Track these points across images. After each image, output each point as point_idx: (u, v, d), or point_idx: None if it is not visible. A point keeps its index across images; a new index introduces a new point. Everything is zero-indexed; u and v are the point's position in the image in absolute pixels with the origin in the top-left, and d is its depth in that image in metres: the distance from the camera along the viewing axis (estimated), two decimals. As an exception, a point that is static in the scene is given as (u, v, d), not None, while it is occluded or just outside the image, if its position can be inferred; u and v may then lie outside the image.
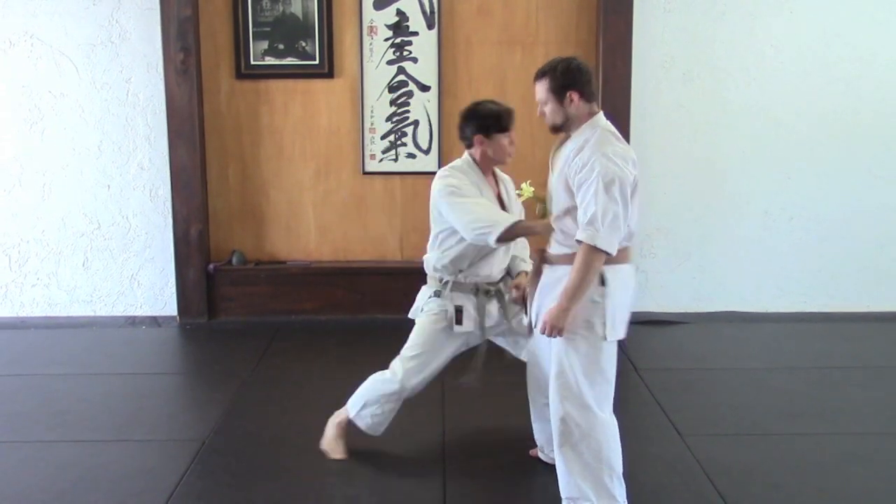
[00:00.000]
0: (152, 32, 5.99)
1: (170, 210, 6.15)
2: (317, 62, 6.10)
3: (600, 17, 6.00)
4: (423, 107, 6.15)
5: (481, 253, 3.81)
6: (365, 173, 6.24)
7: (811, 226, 6.23)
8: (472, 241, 3.71)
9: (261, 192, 6.30)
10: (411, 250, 6.33)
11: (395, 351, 3.93)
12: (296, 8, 6.04)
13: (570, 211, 3.30)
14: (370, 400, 3.93)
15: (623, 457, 3.68)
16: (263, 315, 6.24)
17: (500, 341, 4.13)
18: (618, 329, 3.32)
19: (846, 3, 6.07)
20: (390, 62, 6.10)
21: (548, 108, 3.37)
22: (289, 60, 6.11)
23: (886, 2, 6.07)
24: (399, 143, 6.19)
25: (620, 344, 3.51)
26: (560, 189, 3.33)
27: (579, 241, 3.18)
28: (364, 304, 6.27)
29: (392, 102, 6.14)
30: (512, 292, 3.87)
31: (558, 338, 3.28)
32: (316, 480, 3.79)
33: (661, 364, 5.26)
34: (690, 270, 6.27)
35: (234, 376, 5.11)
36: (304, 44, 6.08)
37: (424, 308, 3.96)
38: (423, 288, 4.01)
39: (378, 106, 6.14)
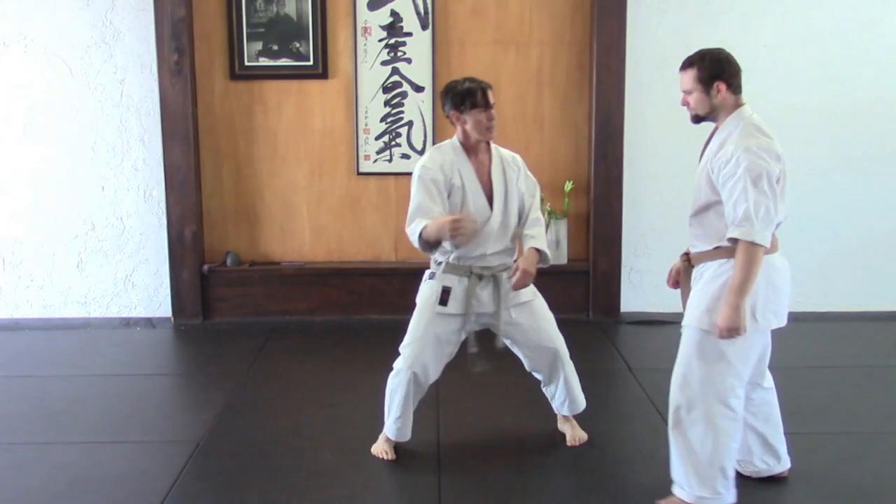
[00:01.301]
0: (146, 33, 5.98)
1: (164, 211, 6.14)
2: (311, 63, 6.10)
3: (594, 17, 6.00)
4: (417, 107, 6.15)
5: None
6: (359, 174, 6.25)
7: (805, 225, 6.23)
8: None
9: (255, 192, 6.30)
10: (406, 251, 6.33)
11: (390, 351, 3.93)
12: (290, 9, 6.04)
13: (711, 206, 3.31)
14: (391, 403, 3.95)
15: (617, 456, 3.70)
16: (258, 316, 6.24)
17: (508, 343, 4.08)
18: (757, 319, 3.27)
19: (839, 3, 6.08)
20: (384, 63, 6.10)
21: (693, 98, 3.38)
22: (283, 61, 6.11)
23: (879, 2, 6.08)
24: (393, 143, 6.19)
25: (614, 343, 3.53)
26: (703, 183, 3.33)
27: (732, 240, 3.18)
28: (359, 304, 6.27)
29: (386, 103, 6.15)
30: (513, 277, 3.77)
31: (690, 329, 3.31)
32: (310, 481, 3.79)
33: (655, 364, 5.27)
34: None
35: (229, 377, 5.11)
36: (298, 44, 6.08)
37: (420, 290, 3.97)
38: (425, 272, 4.01)
39: (372, 106, 6.15)
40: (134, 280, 6.28)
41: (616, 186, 6.13)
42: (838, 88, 6.15)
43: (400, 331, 4.00)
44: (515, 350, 4.09)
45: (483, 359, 3.92)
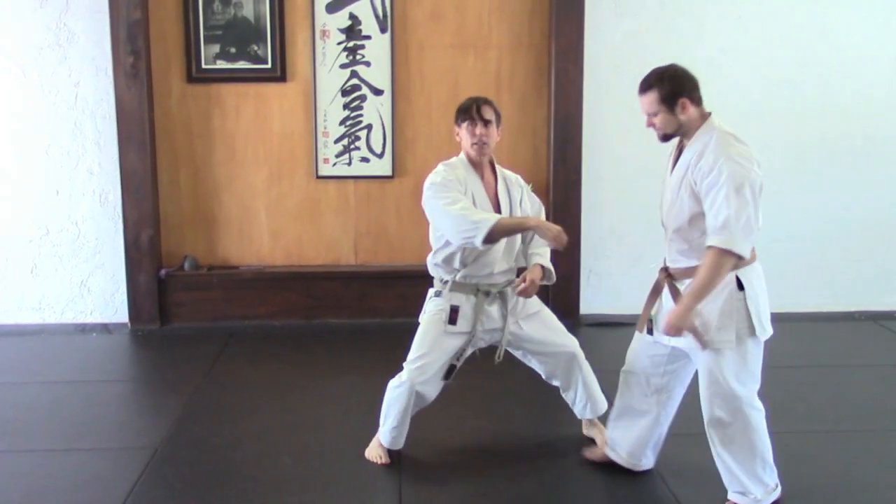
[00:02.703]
0: (101, 35, 5.91)
1: (120, 215, 6.07)
2: (269, 66, 6.07)
3: (552, 21, 6.04)
4: (376, 111, 6.14)
5: (474, 253, 3.79)
6: (318, 177, 6.22)
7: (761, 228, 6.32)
8: (460, 245, 3.70)
9: (213, 196, 6.25)
10: (365, 254, 6.32)
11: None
12: (247, 11, 6.00)
13: (695, 219, 3.29)
14: (388, 412, 3.92)
15: (578, 459, 3.71)
16: (216, 321, 6.19)
17: (516, 354, 4.09)
18: (766, 327, 3.36)
19: (792, 8, 6.18)
20: (343, 66, 6.08)
21: (658, 119, 3.36)
22: (241, 64, 6.07)
23: (829, 7, 6.19)
24: (352, 146, 6.17)
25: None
26: (684, 196, 3.31)
27: (710, 247, 3.17)
28: (318, 308, 6.24)
29: (345, 106, 6.13)
30: (520, 285, 3.77)
31: (710, 353, 3.31)
32: (270, 487, 3.77)
33: (615, 366, 5.24)
34: (643, 273, 6.23)
35: (187, 383, 5.06)
36: (255, 47, 6.05)
37: (426, 309, 3.95)
38: (429, 290, 4.00)
39: (331, 110, 6.13)
40: (90, 285, 6.20)
41: (575, 189, 6.16)
42: (791, 91, 6.24)
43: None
44: (531, 361, 4.09)
45: (454, 375, 3.92)
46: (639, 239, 6.26)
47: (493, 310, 3.90)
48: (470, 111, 3.76)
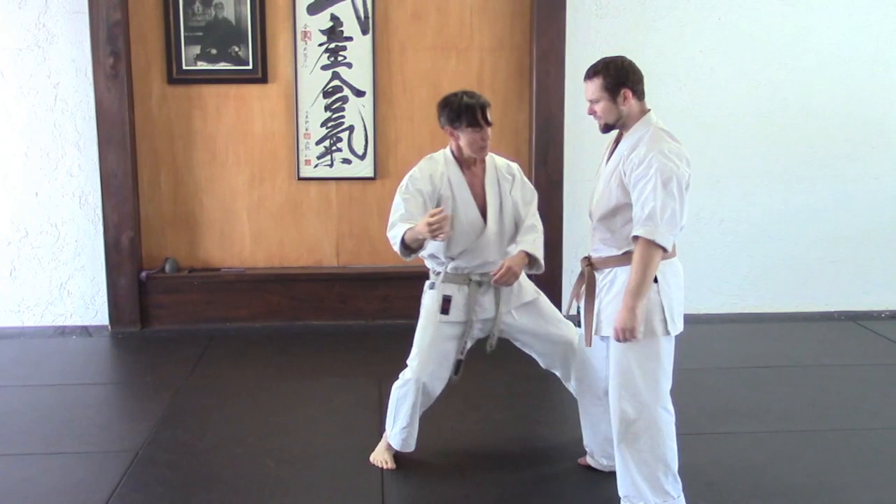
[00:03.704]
0: (81, 37, 5.88)
1: (100, 217, 6.04)
2: (250, 67, 6.05)
3: (534, 22, 6.05)
4: (358, 112, 6.13)
5: (461, 246, 3.81)
6: (300, 179, 6.21)
7: (741, 228, 6.36)
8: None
9: (194, 198, 6.22)
10: (347, 256, 6.31)
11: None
12: (228, 13, 5.98)
13: (620, 210, 3.33)
14: (396, 413, 3.90)
15: (560, 458, 3.72)
16: (197, 323, 6.16)
17: (518, 344, 4.08)
18: (677, 323, 3.34)
19: (772, 10, 6.21)
20: (325, 67, 6.07)
21: (600, 107, 3.39)
22: (222, 65, 6.04)
23: (809, 9, 6.23)
24: (334, 148, 6.16)
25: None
26: (613, 186, 3.34)
27: (635, 238, 3.20)
28: (300, 310, 6.23)
29: (327, 108, 6.12)
30: (497, 273, 3.76)
31: (622, 345, 3.28)
32: (251, 490, 3.76)
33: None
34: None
35: (168, 386, 5.04)
36: (237, 49, 6.03)
37: (423, 303, 3.96)
38: (425, 282, 4.00)
39: (313, 111, 6.11)
40: (69, 288, 6.16)
41: (557, 190, 6.18)
42: (771, 92, 6.28)
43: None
44: (529, 351, 4.07)
45: (462, 369, 3.90)
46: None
47: (487, 299, 3.88)
48: (475, 115, 3.73)
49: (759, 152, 6.30)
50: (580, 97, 6.08)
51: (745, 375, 5.17)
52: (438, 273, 3.90)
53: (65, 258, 6.13)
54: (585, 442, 3.91)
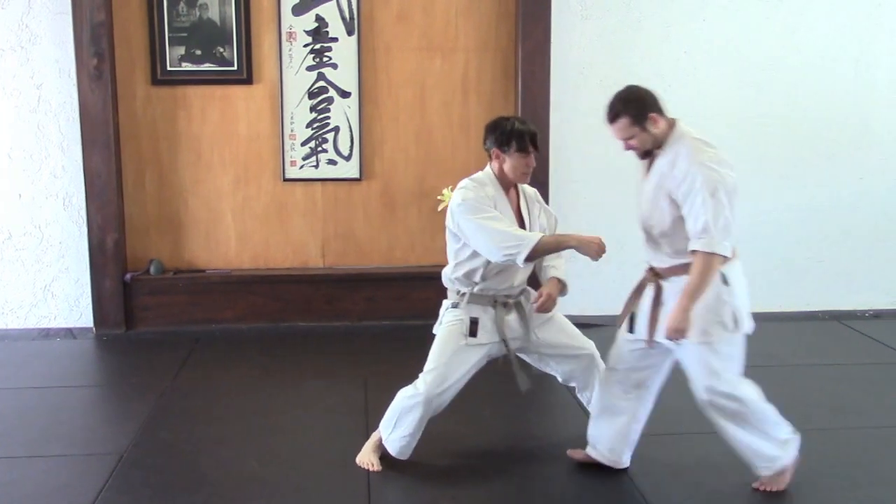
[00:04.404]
0: (64, 37, 5.85)
1: (84, 219, 6.01)
2: (235, 68, 6.03)
3: (519, 23, 6.05)
4: (343, 113, 6.12)
5: (497, 268, 3.81)
6: (285, 180, 6.19)
7: (726, 228, 6.38)
8: (499, 262, 3.72)
9: (179, 199, 6.20)
10: (333, 257, 6.30)
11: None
12: (213, 13, 5.96)
13: (677, 223, 3.43)
14: (399, 420, 3.87)
15: (548, 459, 3.71)
16: (183, 325, 6.13)
17: (528, 358, 4.12)
18: (747, 321, 3.53)
19: (757, 11, 6.24)
20: (310, 68, 6.06)
21: (635, 141, 3.48)
22: (206, 66, 6.03)
23: (794, 9, 6.26)
24: (320, 149, 6.15)
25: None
26: (663, 205, 3.45)
27: (693, 251, 3.33)
28: (286, 311, 6.21)
29: (312, 109, 6.11)
30: (538, 301, 3.83)
31: (700, 345, 3.45)
32: (237, 492, 3.75)
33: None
34: (610, 274, 6.34)
35: (153, 388, 5.01)
36: (221, 49, 6.01)
37: (443, 321, 3.93)
38: (444, 301, 3.98)
39: (298, 112, 6.10)
40: (53, 290, 6.13)
41: (542, 192, 6.09)
42: (756, 93, 6.31)
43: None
44: (548, 364, 4.12)
45: (520, 375, 3.93)
46: (605, 240, 6.27)
47: (512, 319, 3.91)
48: (525, 141, 3.75)
49: (743, 153, 6.30)
50: (566, 98, 6.15)
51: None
52: (462, 294, 3.88)
53: (49, 260, 6.10)
54: (591, 433, 3.93)
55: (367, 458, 3.96)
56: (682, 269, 3.47)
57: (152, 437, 4.32)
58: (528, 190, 4.03)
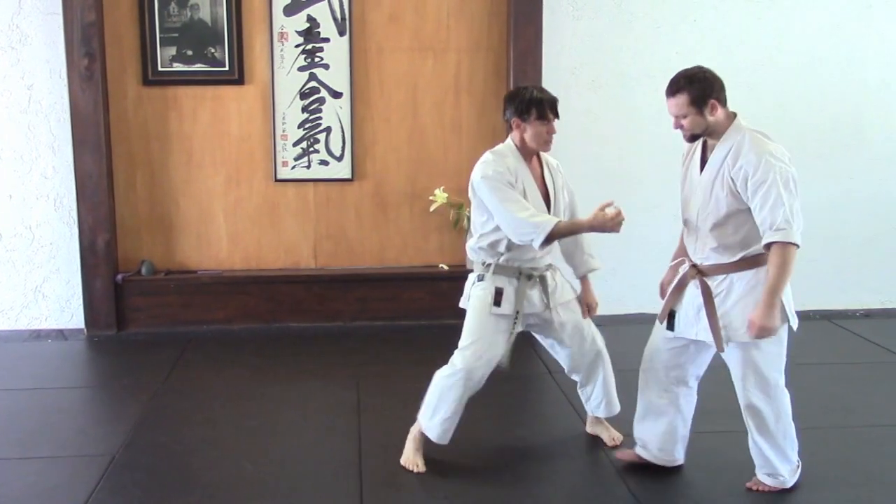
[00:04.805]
0: (55, 37, 5.83)
1: (75, 219, 5.99)
2: (226, 68, 6.02)
3: (510, 24, 6.06)
4: (335, 113, 6.12)
5: None
6: (277, 180, 6.18)
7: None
8: (516, 242, 3.76)
9: (170, 200, 6.18)
10: (325, 257, 6.29)
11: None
12: (204, 14, 5.95)
13: (732, 217, 3.41)
14: (440, 403, 3.86)
15: (539, 459, 3.71)
16: (174, 326, 6.12)
17: (542, 340, 4.17)
18: (794, 316, 3.51)
19: (747, 12, 6.26)
20: (301, 68, 6.06)
21: (687, 121, 3.46)
22: (198, 66, 6.01)
23: (784, 11, 6.28)
24: (311, 149, 6.15)
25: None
26: (721, 195, 3.41)
27: (768, 245, 3.30)
28: (278, 312, 6.20)
29: (304, 109, 6.10)
30: (587, 311, 3.99)
31: (748, 345, 3.46)
32: (229, 493, 3.74)
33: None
34: (603, 273, 6.24)
35: (145, 389, 5.00)
36: (213, 50, 6.00)
37: (471, 295, 3.93)
38: (470, 275, 3.99)
39: (290, 112, 6.10)
40: (44, 291, 6.11)
41: (534, 191, 6.18)
42: (746, 94, 6.29)
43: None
44: (557, 351, 4.13)
45: (504, 356, 3.91)
46: (598, 239, 6.27)
47: (534, 294, 3.91)
48: (544, 108, 3.78)
49: (734, 153, 6.34)
50: (557, 98, 6.14)
51: (721, 375, 5.16)
52: (488, 265, 3.88)
53: (40, 261, 6.08)
54: (638, 434, 3.92)
55: (411, 459, 3.94)
56: (727, 267, 3.47)
57: (144, 438, 4.31)
58: (551, 160, 4.04)
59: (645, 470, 3.90)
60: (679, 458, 3.88)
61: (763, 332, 3.37)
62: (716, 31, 6.25)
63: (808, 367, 5.44)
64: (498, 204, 3.72)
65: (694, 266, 3.61)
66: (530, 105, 3.78)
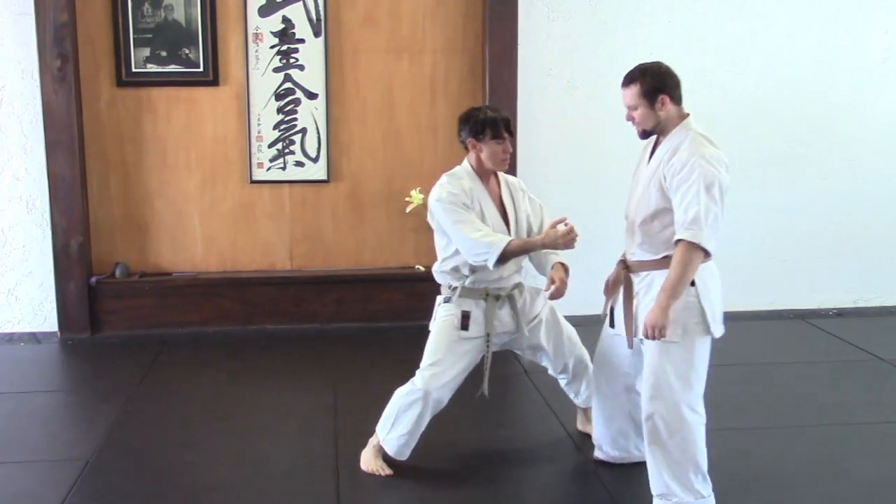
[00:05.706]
0: (27, 38, 5.77)
1: (48, 222, 5.94)
2: (201, 70, 5.99)
3: (486, 25, 6.07)
4: (310, 115, 6.10)
5: None
6: (252, 182, 6.16)
7: (692, 229, 6.43)
8: (471, 262, 3.74)
9: (144, 202, 6.14)
10: (301, 259, 6.28)
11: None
12: (178, 14, 5.92)
13: (659, 214, 3.37)
14: (398, 419, 3.84)
15: (515, 460, 3.71)
16: (149, 328, 6.08)
17: (520, 351, 4.17)
18: (717, 325, 3.41)
19: (721, 13, 6.30)
20: (277, 70, 6.04)
21: (638, 113, 3.44)
22: (172, 68, 5.98)
23: (758, 12, 6.32)
24: (287, 151, 6.13)
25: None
26: (653, 191, 3.39)
27: (678, 241, 3.24)
28: (253, 314, 6.18)
29: (279, 110, 6.08)
30: (551, 288, 3.80)
31: (653, 342, 3.34)
32: (205, 497, 3.73)
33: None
34: (578, 274, 6.28)
35: (119, 392, 4.97)
36: (187, 51, 5.97)
37: (436, 316, 3.92)
38: (438, 297, 3.97)
39: (265, 114, 6.07)
40: (17, 294, 6.05)
41: (510, 192, 6.19)
42: (721, 95, 6.36)
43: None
44: (539, 357, 4.12)
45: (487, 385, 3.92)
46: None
47: (504, 313, 3.91)
48: (499, 127, 3.78)
49: (708, 154, 6.38)
50: (532, 100, 6.17)
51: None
52: (454, 288, 3.87)
53: (12, 264, 6.03)
54: (595, 435, 3.94)
55: (371, 464, 3.92)
56: (650, 265, 3.44)
57: (118, 442, 4.28)
58: (510, 179, 4.03)
59: (624, 469, 3.91)
60: (637, 454, 3.85)
61: (652, 331, 3.30)
62: (690, 33, 6.29)
63: (781, 365, 5.49)
64: (452, 225, 3.73)
65: (623, 261, 3.62)
66: (485, 125, 3.79)
